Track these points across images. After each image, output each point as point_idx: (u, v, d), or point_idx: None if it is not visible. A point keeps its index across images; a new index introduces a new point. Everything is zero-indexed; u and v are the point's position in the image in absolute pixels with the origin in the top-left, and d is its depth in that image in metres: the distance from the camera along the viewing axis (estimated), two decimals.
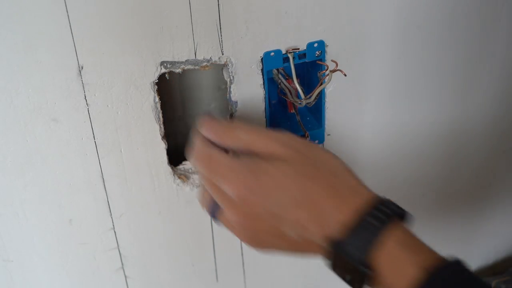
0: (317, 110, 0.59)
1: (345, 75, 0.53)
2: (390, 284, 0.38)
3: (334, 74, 0.52)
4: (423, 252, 0.39)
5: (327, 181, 0.40)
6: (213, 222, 0.61)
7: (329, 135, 0.61)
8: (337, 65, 0.52)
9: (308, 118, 0.60)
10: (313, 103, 0.53)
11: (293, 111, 0.57)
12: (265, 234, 0.42)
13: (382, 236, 0.38)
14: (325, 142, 0.61)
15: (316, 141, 0.60)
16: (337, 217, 0.39)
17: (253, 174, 0.40)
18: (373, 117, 0.62)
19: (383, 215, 0.39)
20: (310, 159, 0.41)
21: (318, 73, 0.54)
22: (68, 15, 0.44)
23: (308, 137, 0.58)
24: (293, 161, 0.41)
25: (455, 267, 0.38)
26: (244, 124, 0.43)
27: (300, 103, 0.53)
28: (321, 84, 0.52)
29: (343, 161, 0.42)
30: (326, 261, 0.41)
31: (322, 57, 0.54)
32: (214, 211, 0.44)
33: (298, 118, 0.56)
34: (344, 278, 0.40)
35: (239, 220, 0.42)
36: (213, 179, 0.43)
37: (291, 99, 0.54)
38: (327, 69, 0.52)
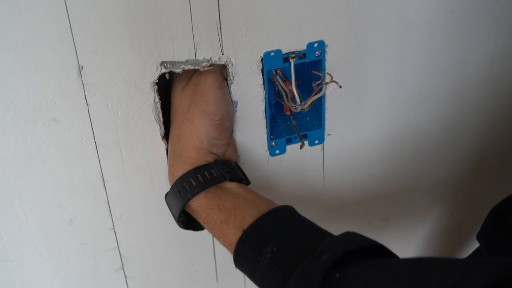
0: (317, 110, 0.59)
1: (340, 86, 0.54)
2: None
3: (335, 71, 0.52)
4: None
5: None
6: None
7: (329, 135, 0.61)
8: (332, 78, 0.53)
9: (308, 118, 0.60)
10: (307, 110, 0.54)
11: (288, 113, 0.57)
12: None
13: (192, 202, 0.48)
14: (325, 142, 0.61)
15: (316, 141, 0.60)
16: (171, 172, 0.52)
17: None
18: (373, 117, 0.62)
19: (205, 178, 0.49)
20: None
21: (313, 83, 0.54)
22: (68, 15, 0.44)
23: (304, 145, 0.58)
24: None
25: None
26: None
27: (295, 109, 0.53)
28: (316, 93, 0.52)
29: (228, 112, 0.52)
30: None
31: (322, 57, 0.54)
32: None
33: (294, 123, 0.56)
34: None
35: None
36: None
37: (286, 103, 0.54)
38: (321, 80, 0.52)
